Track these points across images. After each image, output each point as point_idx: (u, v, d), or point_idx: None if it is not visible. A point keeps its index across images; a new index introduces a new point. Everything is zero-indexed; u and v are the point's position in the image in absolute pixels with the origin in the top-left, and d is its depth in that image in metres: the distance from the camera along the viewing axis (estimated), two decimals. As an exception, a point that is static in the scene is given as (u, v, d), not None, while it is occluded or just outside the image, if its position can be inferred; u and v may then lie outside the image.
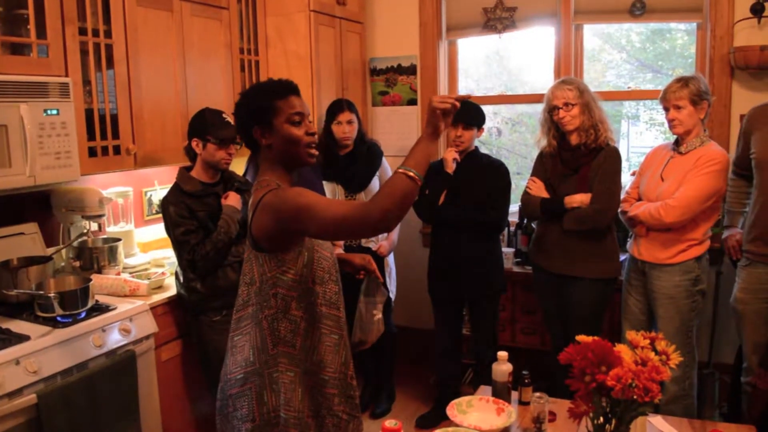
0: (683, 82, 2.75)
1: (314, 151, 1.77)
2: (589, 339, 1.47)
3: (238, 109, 1.79)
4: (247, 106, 1.76)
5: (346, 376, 1.81)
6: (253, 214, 1.69)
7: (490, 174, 3.15)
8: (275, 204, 1.63)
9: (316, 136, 1.78)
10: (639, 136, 4.46)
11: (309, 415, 1.72)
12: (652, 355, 1.46)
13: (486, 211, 3.11)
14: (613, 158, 2.87)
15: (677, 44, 4.02)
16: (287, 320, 1.70)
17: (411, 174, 1.51)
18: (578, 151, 2.92)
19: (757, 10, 3.26)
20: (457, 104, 1.58)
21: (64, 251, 2.81)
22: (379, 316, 2.17)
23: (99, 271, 2.76)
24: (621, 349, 1.46)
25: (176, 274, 2.68)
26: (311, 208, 1.57)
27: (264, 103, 1.72)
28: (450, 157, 3.11)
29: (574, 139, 2.94)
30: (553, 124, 2.98)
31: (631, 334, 1.55)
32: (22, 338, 2.14)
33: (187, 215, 2.54)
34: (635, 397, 1.37)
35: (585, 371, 1.40)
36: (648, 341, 1.51)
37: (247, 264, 1.76)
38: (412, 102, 4.20)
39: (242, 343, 1.73)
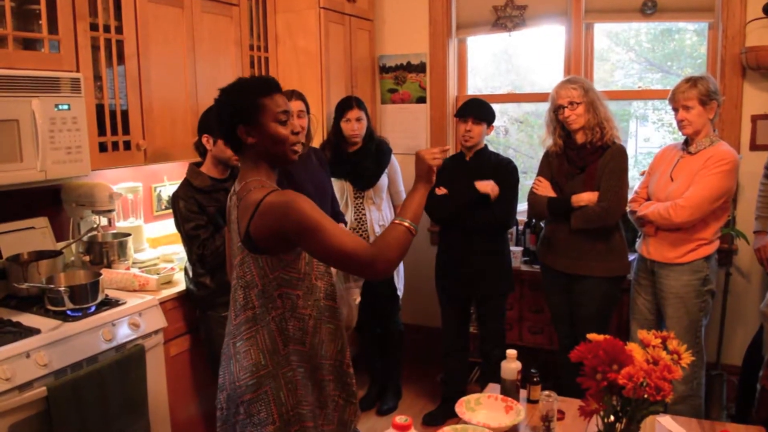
0: (692, 82, 2.74)
1: (297, 148, 1.75)
2: (600, 337, 1.47)
3: (221, 108, 1.73)
4: (232, 105, 1.70)
5: (342, 364, 1.82)
6: (251, 216, 1.62)
7: (498, 172, 3.15)
8: (281, 210, 1.59)
9: (300, 135, 1.77)
10: (647, 137, 4.44)
11: (317, 406, 1.75)
12: (663, 354, 1.46)
13: (494, 209, 3.11)
14: (619, 156, 2.87)
15: (686, 44, 4.00)
16: (295, 319, 1.70)
17: (412, 228, 1.65)
18: (584, 150, 2.92)
19: (769, 10, 3.25)
20: (446, 154, 1.79)
21: (74, 246, 2.82)
22: (359, 299, 2.32)
23: (108, 266, 2.77)
24: (632, 347, 1.46)
25: (185, 269, 2.69)
26: (320, 231, 1.56)
27: (250, 101, 1.68)
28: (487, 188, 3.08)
29: (579, 138, 2.93)
30: (558, 123, 2.98)
31: (642, 333, 1.54)
32: (33, 331, 2.15)
33: (196, 210, 2.55)
34: (646, 396, 1.36)
35: (596, 369, 1.40)
36: (659, 340, 1.51)
37: (241, 267, 1.70)
38: (422, 100, 4.20)
39: (246, 348, 1.69)
